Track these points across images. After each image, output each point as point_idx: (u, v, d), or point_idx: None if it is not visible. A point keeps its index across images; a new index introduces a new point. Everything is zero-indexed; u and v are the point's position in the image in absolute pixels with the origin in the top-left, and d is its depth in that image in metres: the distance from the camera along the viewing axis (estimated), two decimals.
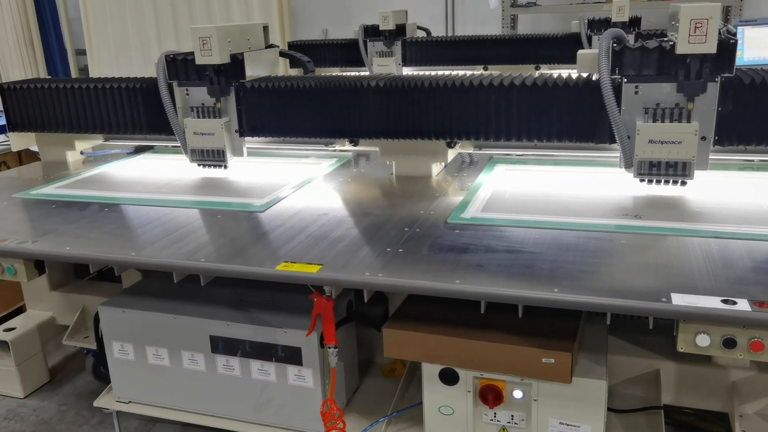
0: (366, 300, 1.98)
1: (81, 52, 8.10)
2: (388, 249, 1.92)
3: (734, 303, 1.48)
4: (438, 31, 7.29)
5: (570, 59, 4.83)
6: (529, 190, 2.47)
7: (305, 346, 2.16)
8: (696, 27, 2.04)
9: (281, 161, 3.05)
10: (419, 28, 5.64)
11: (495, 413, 2.04)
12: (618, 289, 1.61)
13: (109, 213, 2.42)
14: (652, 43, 2.18)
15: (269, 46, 2.93)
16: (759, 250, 1.81)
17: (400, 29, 5.27)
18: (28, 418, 2.92)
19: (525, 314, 1.87)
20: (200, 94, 2.73)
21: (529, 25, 7.89)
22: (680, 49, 2.08)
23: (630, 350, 2.34)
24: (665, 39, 2.20)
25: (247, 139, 2.78)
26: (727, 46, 2.08)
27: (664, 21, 5.01)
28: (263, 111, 2.71)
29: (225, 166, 2.78)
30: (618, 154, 2.29)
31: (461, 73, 2.60)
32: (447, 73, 2.65)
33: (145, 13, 7.58)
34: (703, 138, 2.19)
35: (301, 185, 2.65)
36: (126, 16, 7.60)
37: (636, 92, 2.23)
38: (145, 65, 7.13)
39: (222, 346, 2.27)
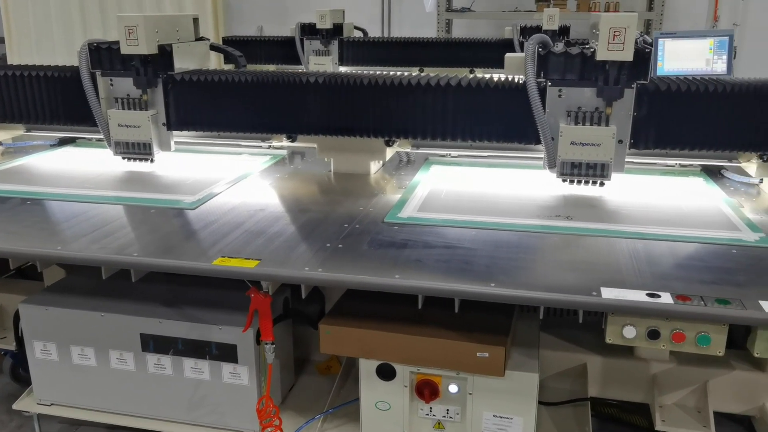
0: (303, 296, 1.97)
1: None
2: (328, 245, 1.92)
3: (658, 296, 1.56)
4: (374, 32, 7.34)
5: (503, 64, 4.95)
6: (463, 190, 2.52)
7: (241, 343, 2.13)
8: (615, 35, 2.14)
9: (214, 157, 2.99)
10: (356, 28, 5.66)
11: (431, 408, 2.07)
12: (551, 285, 1.67)
13: (32, 207, 2.31)
14: (574, 50, 2.28)
15: (199, 39, 2.87)
16: (680, 250, 1.91)
17: (338, 28, 5.28)
18: None
19: (461, 310, 1.91)
20: (126, 85, 2.65)
21: (463, 29, 8.05)
22: (600, 56, 2.18)
23: (559, 345, 2.42)
24: (587, 46, 2.30)
25: (177, 133, 2.71)
26: (643, 55, 2.19)
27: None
28: (195, 104, 2.64)
29: (151, 160, 2.71)
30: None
31: (399, 73, 2.63)
32: (385, 73, 2.67)
33: (70, 0, 7.27)
34: (620, 141, 2.29)
35: (237, 181, 2.61)
36: (49, 2, 7.28)
37: (559, 95, 2.31)
38: (68, 54, 6.84)
39: (153, 344, 2.21)
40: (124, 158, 2.75)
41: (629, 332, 1.59)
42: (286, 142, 2.74)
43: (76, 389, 2.34)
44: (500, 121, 2.41)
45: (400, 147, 2.69)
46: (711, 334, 1.56)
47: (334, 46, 5.28)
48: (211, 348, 2.17)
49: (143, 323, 2.20)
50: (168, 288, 2.33)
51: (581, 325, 2.34)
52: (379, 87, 2.47)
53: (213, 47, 2.95)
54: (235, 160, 2.94)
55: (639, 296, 1.57)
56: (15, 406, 2.41)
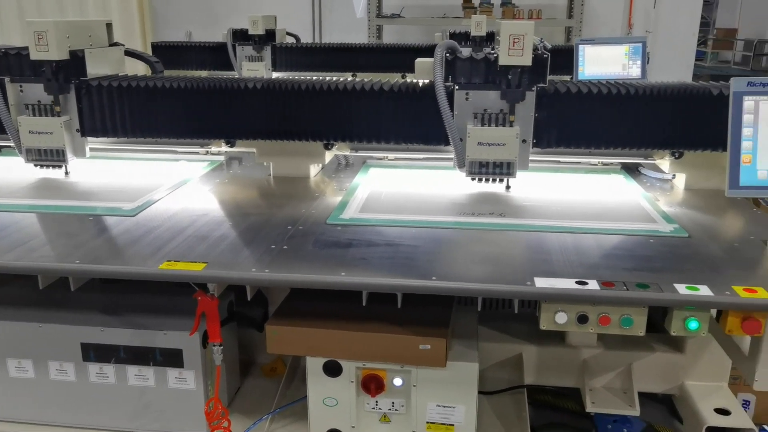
0: (249, 299, 2.01)
1: None
2: (273, 246, 1.96)
3: (586, 284, 1.69)
4: (306, 38, 7.38)
5: None
6: (401, 191, 2.61)
7: (186, 347, 2.13)
8: (514, 42, 2.28)
9: (151, 164, 2.97)
10: (288, 34, 5.69)
11: (377, 401, 2.14)
12: (488, 276, 1.77)
13: None
14: (479, 55, 2.41)
15: (113, 44, 2.86)
16: (604, 241, 2.06)
17: (270, 34, 5.30)
18: None
19: (402, 305, 1.99)
20: (36, 91, 2.60)
21: (393, 35, 8.20)
22: (502, 61, 2.31)
23: (496, 337, 2.54)
24: (491, 51, 2.44)
25: (105, 140, 2.69)
26: (541, 60, 2.34)
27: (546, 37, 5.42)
28: (114, 110, 2.61)
29: (66, 168, 2.68)
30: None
31: (336, 78, 2.69)
32: (322, 78, 2.73)
33: None
34: (524, 141, 2.43)
35: (176, 187, 2.61)
36: None
37: (467, 98, 2.44)
38: None
39: (94, 353, 2.18)
40: (36, 165, 2.70)
41: (561, 318, 1.71)
42: (224, 148, 2.76)
43: (12, 403, 2.28)
44: (420, 124, 2.51)
45: (339, 150, 2.76)
46: (633, 316, 1.70)
47: (267, 52, 5.30)
48: (155, 354, 2.16)
49: (84, 332, 2.17)
50: (107, 297, 2.31)
51: (516, 317, 2.48)
52: (317, 92, 2.54)
53: (128, 53, 2.94)
54: (172, 166, 2.93)
55: (569, 284, 1.69)
56: None
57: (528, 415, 2.33)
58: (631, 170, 2.87)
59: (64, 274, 1.87)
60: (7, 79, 2.56)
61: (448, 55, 2.39)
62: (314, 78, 2.62)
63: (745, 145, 1.82)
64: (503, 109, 2.39)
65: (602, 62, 4.27)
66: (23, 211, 2.33)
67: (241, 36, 5.29)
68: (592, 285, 1.68)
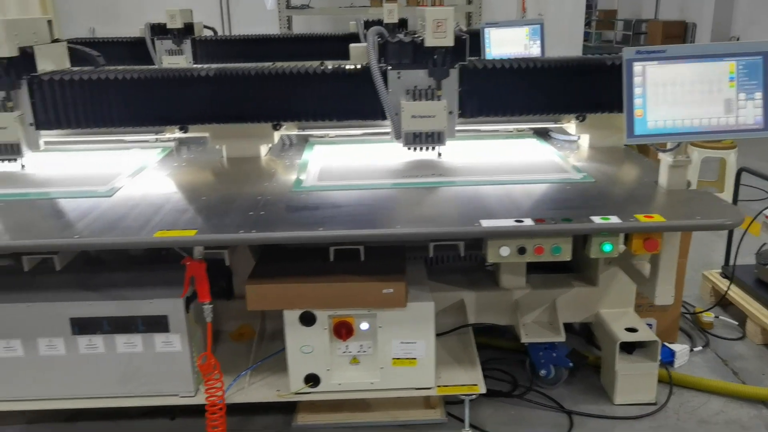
0: (228, 263, 2.25)
1: None
2: (251, 213, 2.21)
3: (522, 222, 2.06)
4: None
5: (348, 55, 5.39)
6: (349, 162, 2.91)
7: (172, 313, 2.35)
8: (438, 25, 2.62)
9: (104, 154, 3.10)
10: (205, 27, 5.80)
11: (347, 345, 2.44)
12: (441, 223, 2.11)
13: None
14: (407, 38, 2.74)
15: (55, 41, 2.98)
16: (531, 190, 2.46)
17: (188, 28, 5.40)
18: None
19: (363, 259, 2.29)
20: None
21: (302, 26, 8.40)
22: (428, 43, 2.62)
23: (440, 288, 2.89)
24: (417, 35, 2.77)
25: (47, 133, 2.81)
26: (461, 41, 2.68)
27: None
28: (68, 103, 2.73)
29: (22, 162, 2.78)
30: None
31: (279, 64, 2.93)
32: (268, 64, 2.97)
33: None
34: (450, 112, 2.76)
35: (137, 172, 2.77)
36: None
37: (398, 77, 2.74)
38: None
39: (83, 326, 2.35)
40: None
41: (504, 251, 2.08)
42: (177, 134, 2.95)
43: (2, 382, 2.41)
44: (359, 102, 2.80)
45: (287, 130, 3.01)
46: (561, 245, 2.09)
47: (187, 45, 5.40)
48: (142, 322, 2.36)
49: (72, 308, 2.33)
50: (90, 275, 2.47)
51: (455, 270, 2.85)
52: (265, 76, 2.77)
53: (70, 48, 3.05)
54: (126, 154, 3.08)
55: (509, 223, 2.06)
56: None
57: (475, 349, 2.71)
58: (542, 135, 3.29)
59: (70, 248, 2.04)
60: None
61: (379, 39, 2.69)
62: (262, 64, 2.85)
63: (637, 102, 2.24)
64: (431, 86, 2.72)
65: (506, 43, 4.71)
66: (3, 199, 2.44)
67: (159, 30, 5.35)
68: (527, 222, 2.05)
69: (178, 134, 2.96)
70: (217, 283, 2.62)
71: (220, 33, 8.17)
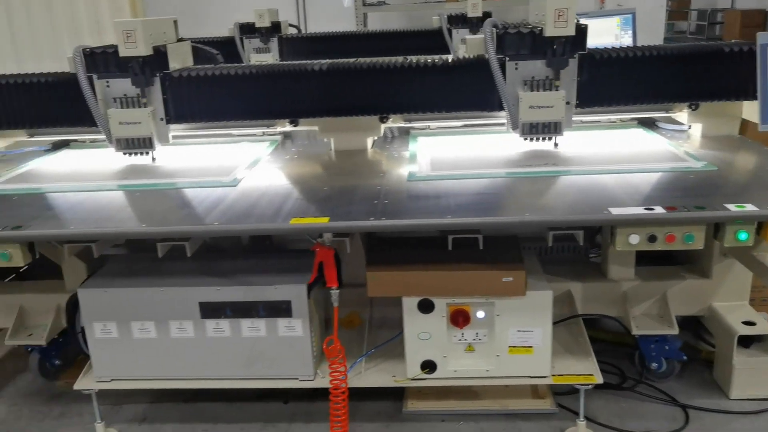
0: (348, 251, 2.31)
1: None
2: (375, 202, 2.26)
3: (653, 209, 2.04)
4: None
5: (434, 50, 5.42)
6: (459, 153, 2.91)
7: (295, 299, 2.43)
8: (559, 15, 2.61)
9: (218, 147, 3.22)
10: (290, 25, 5.95)
11: (462, 333, 2.47)
12: (569, 211, 2.11)
13: (85, 200, 2.47)
14: (525, 29, 2.73)
15: (180, 40, 3.11)
16: (653, 179, 2.43)
17: (275, 26, 5.54)
18: None
19: (478, 248, 2.31)
20: (122, 86, 2.83)
21: (377, 22, 8.47)
22: (548, 33, 2.60)
23: (548, 278, 2.87)
24: (532, 26, 2.75)
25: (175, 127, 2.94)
26: (581, 30, 2.66)
27: (508, 17, 5.81)
28: (195, 98, 2.87)
29: (153, 154, 2.92)
30: (503, 122, 2.83)
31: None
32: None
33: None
34: (568, 103, 2.74)
35: (253, 164, 2.87)
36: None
37: (516, 68, 2.75)
38: (35, 62, 6.69)
39: (212, 310, 2.46)
40: (125, 154, 2.93)
41: (634, 239, 2.06)
42: (288, 127, 3.04)
43: (136, 362, 2.55)
44: (469, 93, 2.81)
45: (393, 123, 3.06)
46: (694, 233, 2.06)
47: (274, 43, 5.54)
48: (266, 306, 2.45)
49: (202, 293, 2.45)
50: (217, 263, 2.59)
51: (560, 261, 2.84)
52: (375, 70, 2.82)
53: (193, 47, 3.19)
54: (238, 147, 3.19)
55: (639, 211, 2.04)
56: (76, 386, 2.58)
57: (587, 338, 2.69)
58: (647, 125, 3.23)
59: (211, 234, 2.14)
60: (95, 76, 2.79)
61: (496, 31, 2.70)
62: (371, 59, 2.90)
63: None
64: (548, 76, 2.71)
65: (595, 34, 4.61)
66: (137, 189, 2.58)
67: (247, 29, 5.51)
68: (658, 210, 2.03)
69: (289, 128, 3.05)
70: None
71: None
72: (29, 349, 3.01)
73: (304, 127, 3.07)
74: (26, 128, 3.16)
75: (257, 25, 5.47)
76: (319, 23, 8.58)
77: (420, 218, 2.11)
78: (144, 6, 7.66)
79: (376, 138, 3.12)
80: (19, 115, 2.97)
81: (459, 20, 5.60)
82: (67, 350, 3.09)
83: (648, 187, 2.32)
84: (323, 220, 2.08)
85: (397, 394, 2.79)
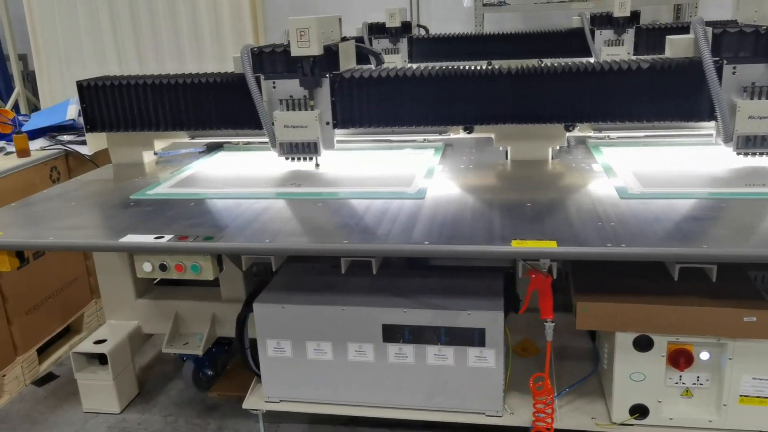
0: (554, 276, 2.03)
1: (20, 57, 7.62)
2: (599, 223, 1.98)
3: None
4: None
5: (573, 53, 5.08)
6: (663, 167, 2.58)
7: (490, 326, 2.18)
8: None
9: (380, 153, 3.01)
10: (419, 26, 5.74)
11: (680, 376, 2.15)
12: None
13: (265, 209, 2.29)
14: (748, 28, 2.37)
15: (343, 39, 2.92)
16: None
17: (405, 26, 5.34)
18: None
19: (699, 279, 1.99)
20: (288, 87, 2.67)
21: (494, 24, 8.16)
22: None
23: None
24: (757, 26, 2.38)
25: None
26: None
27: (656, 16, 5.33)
28: (363, 101, 2.67)
29: (317, 160, 2.74)
30: (711, 132, 2.50)
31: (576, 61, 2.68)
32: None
33: (99, 11, 7.14)
34: None
35: (429, 174, 2.62)
36: (78, 13, 7.16)
37: (733, 73, 2.40)
38: (98, 66, 6.81)
39: (395, 334, 2.25)
40: (287, 159, 2.76)
41: None
42: (462, 134, 2.80)
43: (308, 384, 2.37)
44: (674, 100, 2.49)
45: (581, 131, 2.76)
46: None
47: (403, 44, 5.35)
48: (456, 333, 2.21)
49: (386, 314, 2.24)
50: (405, 280, 2.37)
51: None
52: (563, 74, 2.53)
53: (357, 46, 3.00)
54: (399, 155, 2.97)
55: None
56: (244, 405, 2.43)
57: None
58: None
59: (415, 254, 1.92)
60: (261, 77, 2.64)
61: (714, 30, 2.37)
62: (559, 62, 2.62)
63: None
64: None
65: None
66: (320, 197, 2.40)
67: (375, 29, 5.35)
68: None
69: (463, 134, 2.81)
70: (511, 295, 2.44)
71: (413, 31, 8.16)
72: (184, 358, 2.90)
73: (478, 134, 2.81)
74: (188, 130, 3.06)
75: (387, 24, 5.29)
76: (431, 24, 8.37)
77: (664, 246, 1.80)
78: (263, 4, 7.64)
79: (557, 148, 2.83)
80: (183, 116, 2.85)
81: (602, 21, 5.24)
82: (217, 360, 2.98)
83: None
84: (551, 244, 1.81)
85: None
